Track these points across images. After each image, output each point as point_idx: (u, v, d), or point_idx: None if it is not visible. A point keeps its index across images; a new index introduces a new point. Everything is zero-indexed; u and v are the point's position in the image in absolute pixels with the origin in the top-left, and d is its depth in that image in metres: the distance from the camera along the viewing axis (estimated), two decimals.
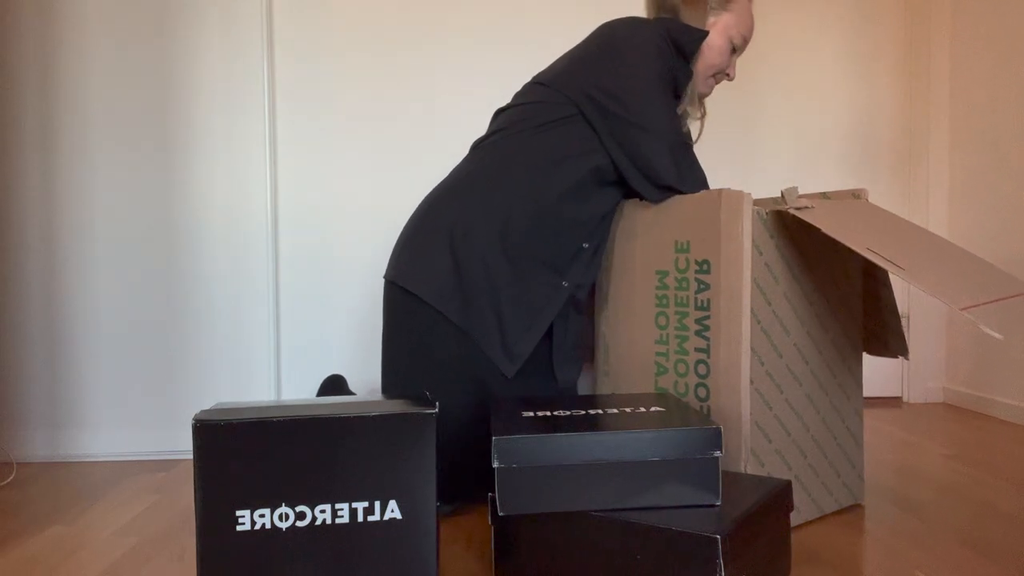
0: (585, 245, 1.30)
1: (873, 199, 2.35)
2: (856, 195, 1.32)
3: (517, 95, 1.37)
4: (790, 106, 2.32)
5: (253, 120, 1.79)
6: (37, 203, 1.74)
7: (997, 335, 0.88)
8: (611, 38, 1.29)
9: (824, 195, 1.36)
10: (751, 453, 1.14)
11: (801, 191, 2.27)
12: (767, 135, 2.32)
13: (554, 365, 1.30)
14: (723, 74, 1.40)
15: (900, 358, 2.33)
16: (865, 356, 2.30)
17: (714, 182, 2.27)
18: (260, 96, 1.78)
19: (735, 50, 1.37)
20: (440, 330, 1.24)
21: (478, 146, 1.36)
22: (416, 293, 1.25)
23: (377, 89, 1.84)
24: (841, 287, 1.28)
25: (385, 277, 1.33)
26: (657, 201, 1.25)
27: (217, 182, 1.78)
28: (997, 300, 1.02)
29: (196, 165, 1.78)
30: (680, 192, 1.23)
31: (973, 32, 2.20)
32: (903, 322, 2.33)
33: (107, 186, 1.75)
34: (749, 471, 1.13)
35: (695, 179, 1.25)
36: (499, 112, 1.38)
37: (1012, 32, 2.04)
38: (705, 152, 2.25)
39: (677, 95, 1.34)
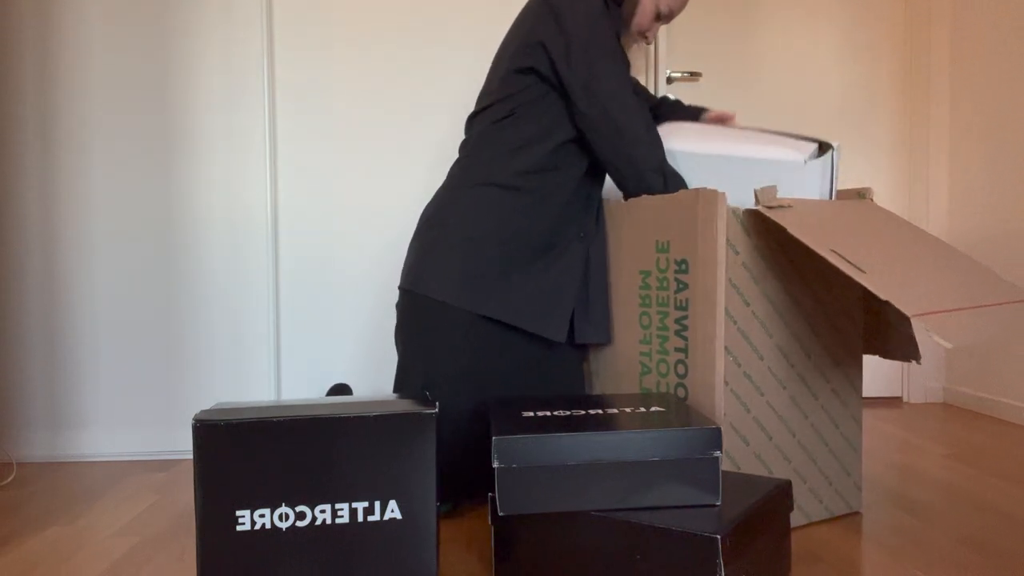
0: (587, 192, 1.36)
1: (872, 189, 2.35)
2: (861, 194, 1.32)
3: (481, 96, 1.39)
4: (789, 97, 2.32)
5: (253, 118, 1.79)
6: (36, 203, 1.74)
7: (947, 344, 0.88)
8: (557, 14, 1.28)
9: None
10: (726, 455, 1.13)
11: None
12: (766, 124, 2.32)
13: (574, 325, 1.32)
14: (643, 36, 1.43)
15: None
16: (866, 355, 2.30)
17: None
18: (260, 94, 1.78)
19: (659, 17, 1.41)
20: (463, 329, 1.26)
21: (465, 146, 1.39)
22: (439, 298, 1.27)
23: (379, 87, 1.84)
24: (838, 290, 1.28)
25: (401, 287, 1.34)
26: (619, 171, 1.30)
27: (217, 181, 1.78)
28: (979, 307, 1.02)
29: (196, 164, 1.78)
30: (638, 158, 1.27)
31: (973, 20, 2.20)
32: None
33: (107, 185, 1.75)
34: None
35: (650, 148, 1.29)
36: (472, 117, 1.40)
37: (1012, 20, 2.04)
38: None
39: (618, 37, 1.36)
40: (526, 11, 1.35)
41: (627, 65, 1.34)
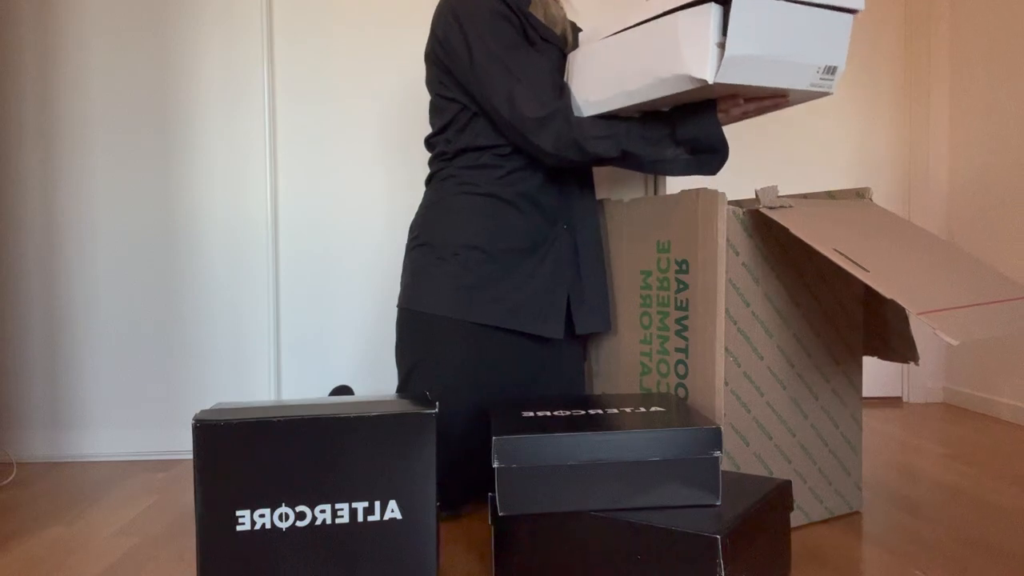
0: (562, 183, 1.34)
1: (871, 188, 2.35)
2: (860, 194, 1.32)
3: (430, 117, 1.40)
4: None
5: (253, 117, 1.78)
6: (37, 203, 1.74)
7: (952, 341, 0.88)
8: (449, 33, 1.27)
9: (830, 194, 1.36)
10: (726, 455, 1.13)
11: (804, 186, 2.27)
12: (768, 134, 2.32)
13: (573, 317, 1.32)
14: None
15: None
16: (865, 355, 2.30)
17: (711, 177, 2.26)
18: (260, 93, 1.78)
19: None
20: (462, 339, 1.27)
21: (433, 163, 1.40)
22: (434, 312, 1.28)
23: (380, 85, 1.84)
24: (838, 290, 1.28)
25: (398, 306, 1.36)
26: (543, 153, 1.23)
27: (217, 180, 1.78)
28: (982, 304, 1.02)
29: (196, 164, 1.78)
30: (541, 137, 1.21)
31: (972, 35, 2.20)
32: None
33: (107, 186, 1.75)
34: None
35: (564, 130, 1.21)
36: (429, 138, 1.40)
37: (1012, 29, 2.04)
38: None
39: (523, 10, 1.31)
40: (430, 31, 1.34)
41: (523, 41, 1.27)
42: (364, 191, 1.84)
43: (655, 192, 1.86)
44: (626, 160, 1.23)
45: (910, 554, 1.10)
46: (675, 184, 2.07)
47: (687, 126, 1.18)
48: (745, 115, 1.20)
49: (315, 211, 1.83)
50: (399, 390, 1.36)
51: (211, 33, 1.77)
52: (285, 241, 1.82)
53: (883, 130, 2.36)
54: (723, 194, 1.12)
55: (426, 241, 1.33)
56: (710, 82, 1.02)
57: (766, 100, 1.16)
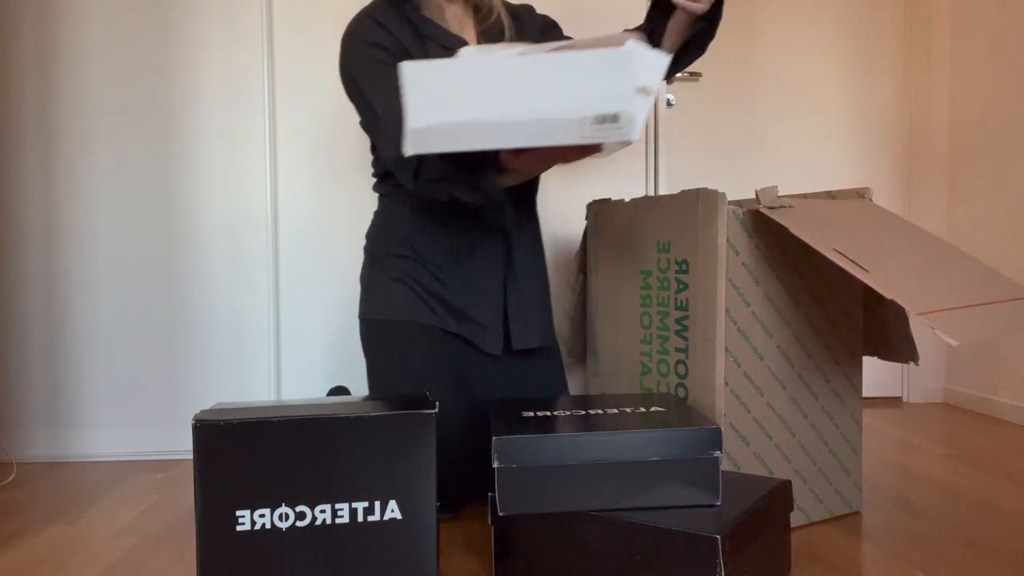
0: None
1: (871, 189, 2.35)
2: (860, 194, 1.32)
3: None
4: (789, 97, 2.32)
5: (253, 117, 1.78)
6: (37, 203, 1.74)
7: (952, 342, 0.88)
8: (340, 69, 1.26)
9: (830, 194, 1.36)
10: (726, 455, 1.13)
11: (804, 186, 2.28)
12: (768, 134, 2.32)
13: (510, 330, 1.33)
14: None
15: None
16: (865, 356, 2.30)
17: (711, 177, 2.26)
18: (260, 92, 1.78)
19: None
20: (418, 341, 1.29)
21: (375, 171, 1.42)
22: (387, 318, 1.31)
23: None
24: (838, 290, 1.28)
25: (359, 317, 1.39)
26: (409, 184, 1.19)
27: (217, 180, 1.78)
28: (982, 304, 1.02)
29: (196, 163, 1.78)
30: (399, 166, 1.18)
31: (972, 28, 2.20)
32: None
33: (107, 185, 1.75)
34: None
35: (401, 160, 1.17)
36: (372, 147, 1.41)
37: (1012, 27, 2.05)
38: (703, 148, 2.26)
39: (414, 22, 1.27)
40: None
41: (398, 51, 1.23)
42: (364, 191, 1.84)
43: (655, 192, 1.87)
44: (463, 204, 1.19)
45: (910, 554, 1.10)
46: (675, 184, 2.07)
47: (484, 178, 1.13)
48: (547, 162, 1.12)
49: (315, 211, 1.83)
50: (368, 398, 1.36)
51: (211, 33, 1.77)
52: (285, 241, 1.82)
53: (883, 133, 2.36)
54: (723, 194, 1.12)
55: (370, 251, 1.38)
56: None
57: (562, 150, 1.03)
